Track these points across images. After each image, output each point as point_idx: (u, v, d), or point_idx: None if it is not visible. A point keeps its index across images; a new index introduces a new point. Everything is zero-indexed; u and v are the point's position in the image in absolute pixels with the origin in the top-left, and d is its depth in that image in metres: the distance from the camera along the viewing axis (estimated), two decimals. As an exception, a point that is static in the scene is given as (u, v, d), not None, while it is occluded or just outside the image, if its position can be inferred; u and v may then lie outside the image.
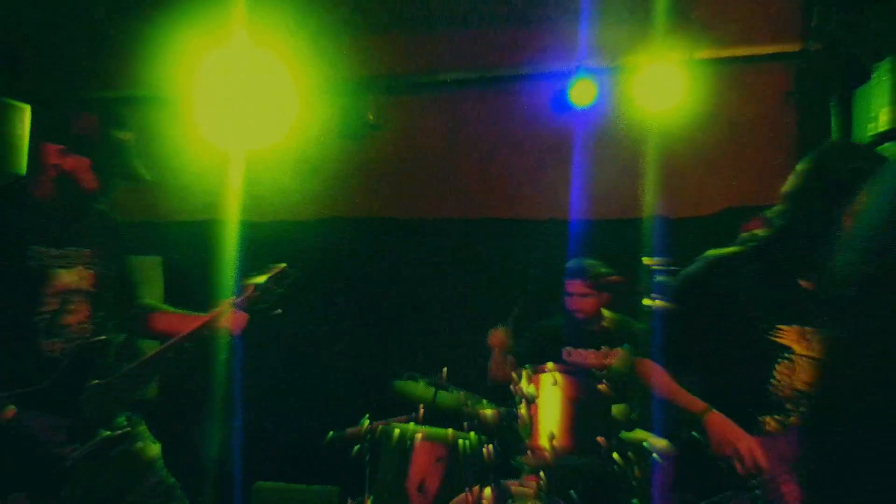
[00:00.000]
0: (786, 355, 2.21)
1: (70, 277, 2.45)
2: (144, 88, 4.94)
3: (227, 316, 2.52)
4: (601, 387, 3.02)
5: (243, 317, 2.57)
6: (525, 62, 4.77)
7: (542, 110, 4.69)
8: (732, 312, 2.24)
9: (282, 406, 4.77)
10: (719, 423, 2.18)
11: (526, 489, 3.16)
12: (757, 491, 2.08)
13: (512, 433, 3.09)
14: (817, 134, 4.29)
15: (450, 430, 3.28)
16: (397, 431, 3.24)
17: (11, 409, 2.24)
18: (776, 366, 2.21)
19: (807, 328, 2.22)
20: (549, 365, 3.10)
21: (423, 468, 3.19)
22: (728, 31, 4.47)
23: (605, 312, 3.93)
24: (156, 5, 4.72)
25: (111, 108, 2.56)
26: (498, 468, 3.13)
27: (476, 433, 3.22)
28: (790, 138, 4.45)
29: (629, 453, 3.13)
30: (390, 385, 3.72)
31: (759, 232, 2.35)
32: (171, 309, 2.77)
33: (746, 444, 2.12)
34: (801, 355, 2.20)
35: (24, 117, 3.81)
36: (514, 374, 3.17)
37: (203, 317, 2.57)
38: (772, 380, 2.20)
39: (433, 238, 4.87)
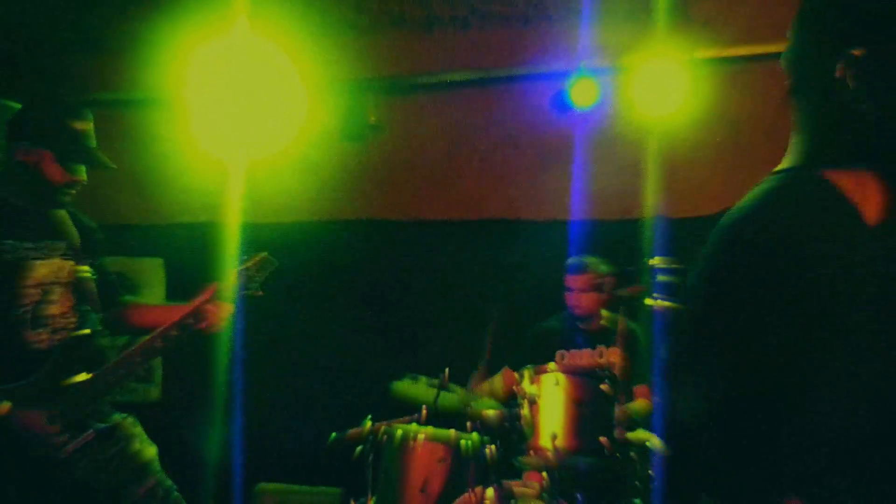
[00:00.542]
0: None
1: (48, 268, 2.47)
2: (145, 90, 4.95)
3: (211, 305, 2.52)
4: (603, 387, 3.02)
5: (226, 307, 2.56)
6: (526, 62, 4.77)
7: (542, 110, 4.68)
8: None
9: (284, 407, 4.77)
10: None
11: (528, 490, 3.16)
12: None
13: (514, 434, 3.09)
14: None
15: (452, 431, 3.28)
16: (400, 432, 3.24)
17: (7, 405, 2.24)
18: None
19: None
20: (551, 365, 3.11)
21: (425, 469, 3.19)
22: (729, 31, 4.46)
23: (604, 313, 3.94)
24: (156, 7, 4.72)
25: (67, 101, 2.60)
26: (500, 469, 3.13)
27: (478, 434, 3.21)
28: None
29: (632, 453, 3.13)
30: (392, 386, 3.72)
31: None
32: (153, 302, 2.79)
33: None
34: None
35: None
36: (516, 375, 3.17)
37: (186, 306, 2.56)
38: None
39: (434, 239, 4.87)
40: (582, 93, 4.42)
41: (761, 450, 1.29)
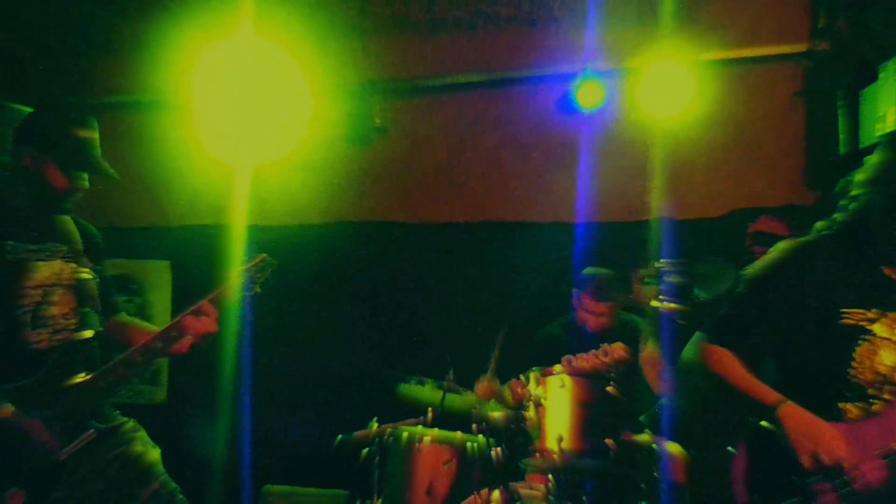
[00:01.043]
0: (865, 337, 2.12)
1: (49, 270, 2.49)
2: (151, 93, 4.97)
3: (193, 318, 2.49)
4: (609, 388, 3.01)
5: (209, 323, 2.52)
6: (531, 64, 4.77)
7: (548, 112, 4.69)
8: (810, 299, 2.16)
9: (290, 409, 4.77)
10: (796, 416, 2.08)
11: (534, 492, 3.16)
12: (841, 483, 2.00)
13: (520, 436, 3.09)
14: (824, 134, 4.28)
15: (458, 433, 3.28)
16: (406, 434, 3.24)
17: (10, 409, 2.26)
18: (855, 348, 2.12)
19: (889, 313, 2.14)
20: (557, 367, 3.10)
21: (431, 471, 3.18)
22: (735, 32, 4.46)
23: None
24: (162, 10, 4.74)
25: (74, 108, 2.61)
26: (506, 471, 3.13)
27: (484, 436, 3.21)
28: (797, 139, 4.44)
29: (638, 456, 3.13)
30: (398, 388, 3.72)
31: (838, 216, 2.29)
32: (144, 324, 2.78)
33: (829, 436, 2.03)
34: (883, 338, 2.12)
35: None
36: (522, 378, 3.17)
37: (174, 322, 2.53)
38: (852, 362, 2.12)
39: (439, 241, 4.87)
40: (587, 95, 4.41)
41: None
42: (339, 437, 3.43)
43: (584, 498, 3.08)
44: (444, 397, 3.48)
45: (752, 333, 2.24)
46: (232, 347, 4.17)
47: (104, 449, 2.49)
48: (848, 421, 2.10)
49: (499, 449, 3.11)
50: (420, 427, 3.31)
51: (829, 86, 4.29)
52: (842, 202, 2.29)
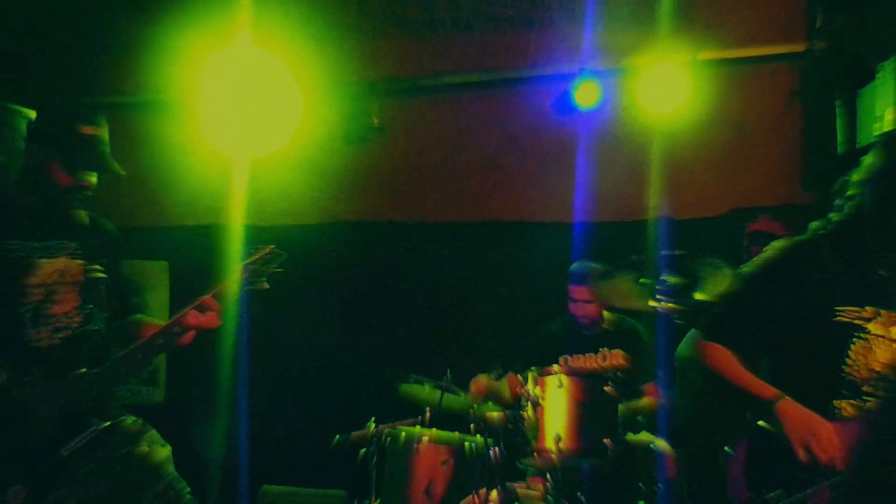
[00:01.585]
0: (860, 335, 2.13)
1: (54, 267, 2.47)
2: (149, 93, 4.96)
3: (198, 312, 2.49)
4: (607, 388, 3.01)
5: (212, 318, 2.52)
6: (529, 64, 4.77)
7: (546, 112, 4.69)
8: (805, 297, 2.17)
9: (288, 410, 4.77)
10: (794, 411, 2.08)
11: (532, 492, 3.16)
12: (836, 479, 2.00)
13: (518, 436, 3.08)
14: (822, 134, 4.28)
15: (456, 433, 3.28)
16: (403, 434, 3.24)
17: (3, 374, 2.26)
18: (850, 346, 2.13)
19: (883, 311, 2.14)
20: (555, 367, 3.10)
21: (429, 471, 3.19)
22: (732, 32, 4.46)
23: (606, 315, 3.93)
24: (161, 10, 4.74)
25: (80, 106, 2.60)
26: (504, 471, 3.13)
27: (482, 436, 3.21)
28: (795, 138, 4.44)
29: (635, 456, 3.13)
30: (399, 388, 3.72)
31: (833, 216, 2.30)
32: (162, 324, 2.76)
33: (825, 433, 2.03)
34: (878, 336, 2.13)
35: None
36: (520, 378, 3.17)
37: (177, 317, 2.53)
38: (846, 360, 2.13)
39: (437, 241, 4.87)
40: (585, 95, 4.42)
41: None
42: (337, 437, 3.43)
43: (581, 498, 3.09)
44: (441, 397, 3.48)
45: (746, 330, 2.25)
46: (230, 347, 4.17)
47: (109, 448, 2.48)
48: (843, 419, 2.10)
49: (497, 449, 3.10)
50: (418, 427, 3.31)
51: (827, 86, 4.29)
52: (837, 201, 2.30)
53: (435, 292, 4.82)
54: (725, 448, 2.22)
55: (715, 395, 2.58)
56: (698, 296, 3.01)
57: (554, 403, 2.99)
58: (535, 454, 2.96)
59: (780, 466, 2.09)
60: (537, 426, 2.97)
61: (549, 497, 3.01)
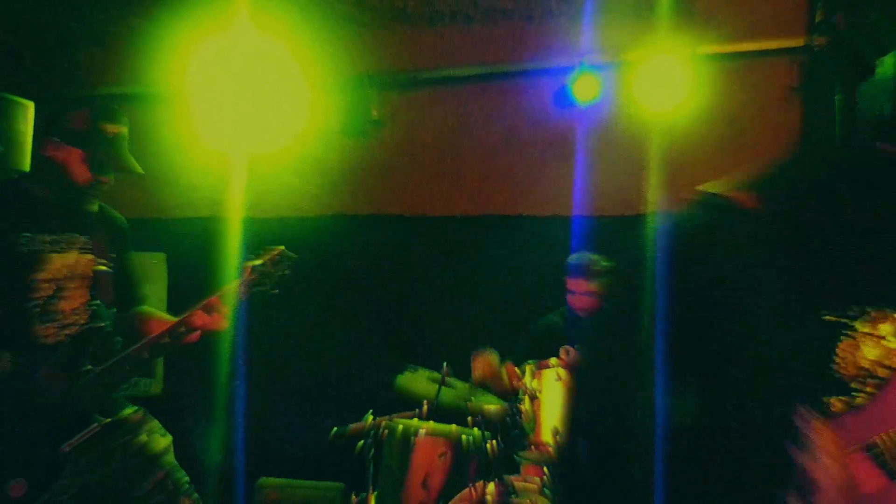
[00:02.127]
0: (847, 332, 2.15)
1: (64, 262, 2.47)
2: (147, 85, 4.95)
3: (205, 313, 2.48)
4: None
5: (218, 319, 2.51)
6: (528, 58, 4.76)
7: (545, 106, 4.68)
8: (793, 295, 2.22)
9: (285, 402, 4.78)
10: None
11: (529, 484, 3.17)
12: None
13: (516, 428, 3.09)
14: (821, 129, 4.28)
15: (453, 426, 3.28)
16: (401, 427, 3.24)
17: (6, 358, 2.26)
18: (838, 344, 2.16)
19: (869, 309, 2.15)
20: (553, 360, 3.11)
21: (426, 464, 3.19)
22: (732, 26, 4.46)
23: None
24: (158, 2, 4.72)
25: (104, 103, 2.59)
26: (501, 463, 3.13)
27: (480, 429, 3.22)
28: (794, 133, 4.44)
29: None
30: (395, 380, 3.72)
31: None
32: (167, 316, 2.75)
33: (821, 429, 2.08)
34: (864, 333, 2.15)
35: (28, 114, 3.82)
36: (517, 371, 3.17)
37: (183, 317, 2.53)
38: (834, 357, 2.16)
39: (436, 234, 4.87)
40: (584, 88, 4.41)
41: None
42: (335, 429, 3.43)
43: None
44: (439, 390, 3.49)
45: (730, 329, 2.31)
46: (228, 339, 4.17)
47: (108, 439, 2.48)
48: (832, 414, 2.13)
49: (494, 442, 3.11)
50: (415, 420, 3.31)
51: (827, 81, 4.29)
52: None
53: (433, 285, 4.83)
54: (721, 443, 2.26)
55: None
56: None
57: (551, 396, 3.00)
58: (532, 447, 2.97)
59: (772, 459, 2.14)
60: (535, 419, 2.98)
61: (546, 490, 3.02)
